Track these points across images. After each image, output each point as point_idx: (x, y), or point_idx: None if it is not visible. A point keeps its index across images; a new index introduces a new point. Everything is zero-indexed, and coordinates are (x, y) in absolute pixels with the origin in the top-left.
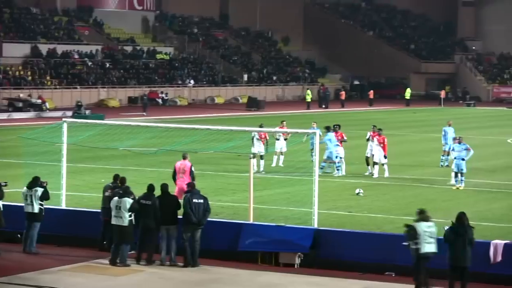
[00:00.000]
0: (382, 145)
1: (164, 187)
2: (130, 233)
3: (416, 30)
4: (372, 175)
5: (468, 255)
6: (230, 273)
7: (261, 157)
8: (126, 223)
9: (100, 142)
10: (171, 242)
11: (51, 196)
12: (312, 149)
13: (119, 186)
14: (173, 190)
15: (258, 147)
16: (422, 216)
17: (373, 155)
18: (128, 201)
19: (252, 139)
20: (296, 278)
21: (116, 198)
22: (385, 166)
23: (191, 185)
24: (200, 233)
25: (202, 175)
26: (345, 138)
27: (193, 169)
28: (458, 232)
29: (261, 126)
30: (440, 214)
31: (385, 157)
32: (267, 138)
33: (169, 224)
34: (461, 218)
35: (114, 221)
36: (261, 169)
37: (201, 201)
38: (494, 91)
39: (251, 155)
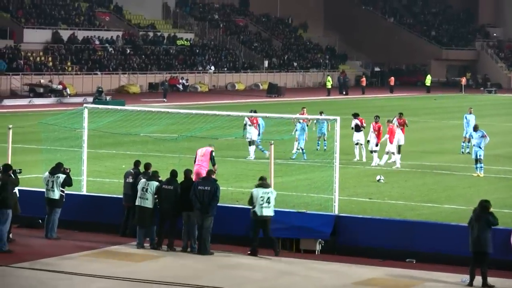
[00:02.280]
0: (376, 133)
1: (187, 173)
2: (153, 215)
3: (437, 16)
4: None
5: (485, 240)
6: (250, 259)
7: (253, 142)
8: (150, 205)
9: (120, 128)
10: (192, 228)
11: (73, 182)
12: (320, 137)
13: (140, 172)
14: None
15: (251, 133)
16: (260, 182)
17: (368, 142)
18: (155, 184)
19: (245, 125)
20: (317, 265)
21: (143, 180)
22: (374, 154)
23: (209, 172)
24: (211, 221)
25: (223, 161)
26: (364, 124)
27: (213, 154)
28: (478, 217)
29: (254, 111)
30: (462, 201)
31: (376, 145)
32: (259, 123)
33: (190, 210)
34: (481, 204)
35: (138, 202)
36: (252, 156)
37: (208, 188)
38: None
39: (272, 141)
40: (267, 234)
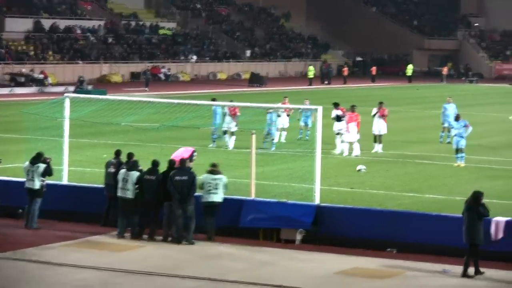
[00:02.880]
0: (356, 122)
1: (171, 162)
2: (135, 206)
3: (419, 6)
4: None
5: (476, 232)
6: (231, 249)
7: (232, 133)
8: (131, 195)
9: (102, 118)
10: (174, 218)
11: (53, 172)
12: (304, 126)
13: (122, 162)
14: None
15: (229, 123)
16: (210, 169)
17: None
18: (136, 174)
19: (224, 115)
20: (297, 255)
21: (123, 171)
22: (355, 145)
23: (181, 162)
24: (192, 211)
25: (204, 151)
26: (345, 114)
27: (195, 153)
28: (469, 208)
29: (231, 101)
30: (443, 191)
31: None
32: (238, 114)
33: (171, 200)
34: (473, 194)
35: (120, 193)
36: (231, 146)
37: (185, 178)
38: (496, 68)
39: (253, 131)
40: (213, 220)
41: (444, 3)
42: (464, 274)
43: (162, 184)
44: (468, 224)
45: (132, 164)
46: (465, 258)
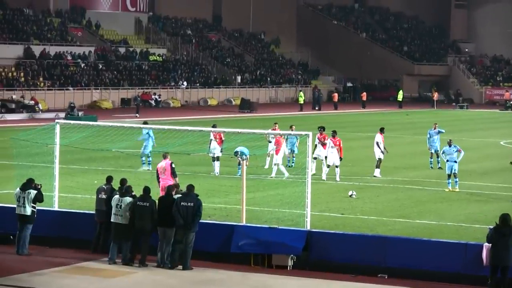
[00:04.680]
0: (337, 147)
1: (169, 189)
2: (128, 231)
3: (409, 32)
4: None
5: (509, 254)
6: (222, 275)
7: (217, 158)
8: (125, 221)
9: (92, 144)
10: (168, 244)
11: (44, 198)
12: (290, 152)
13: (113, 188)
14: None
15: (214, 149)
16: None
17: (326, 158)
18: (129, 200)
19: (210, 141)
20: (289, 280)
21: (117, 197)
22: (337, 170)
23: (188, 188)
24: (193, 237)
25: (195, 177)
26: (326, 140)
27: (173, 165)
28: (503, 232)
29: (214, 126)
30: (435, 216)
31: (340, 159)
32: (223, 138)
33: (166, 226)
34: (505, 218)
35: (113, 219)
36: (216, 170)
37: (191, 204)
38: (486, 93)
39: (245, 157)
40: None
41: (433, 29)
42: None
43: (159, 210)
44: (503, 248)
45: (125, 190)
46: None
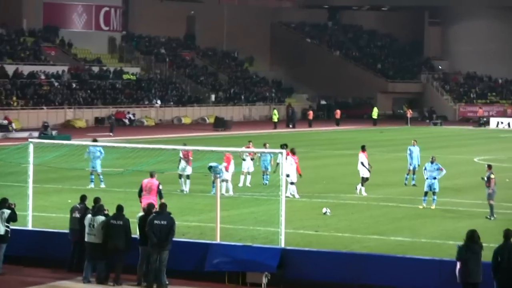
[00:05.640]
0: (295, 164)
1: (149, 207)
2: (102, 250)
3: (383, 50)
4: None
5: (480, 271)
6: None
7: (187, 176)
8: (99, 240)
9: (66, 163)
10: (148, 262)
11: (18, 218)
12: (264, 170)
13: (87, 207)
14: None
15: (184, 168)
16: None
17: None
18: (102, 219)
19: (180, 159)
20: None
21: (89, 216)
22: (294, 187)
23: (161, 206)
24: (167, 255)
25: (169, 195)
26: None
27: (160, 187)
28: (473, 250)
29: (184, 145)
30: (409, 233)
31: (300, 175)
32: (190, 158)
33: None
34: (473, 236)
35: (87, 238)
36: (186, 188)
37: (164, 222)
38: (460, 110)
39: (219, 175)
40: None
41: (407, 46)
42: None
43: (128, 229)
44: (473, 265)
45: (97, 209)
46: None
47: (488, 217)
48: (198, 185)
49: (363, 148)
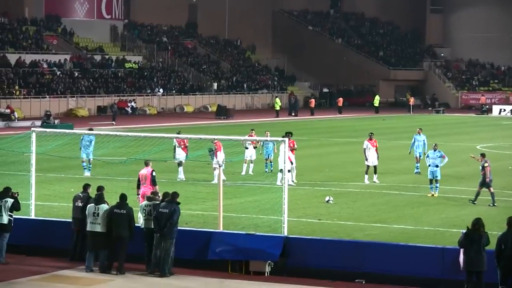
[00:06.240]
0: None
1: (164, 195)
2: (105, 239)
3: (385, 37)
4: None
5: (483, 260)
6: (199, 282)
7: (180, 163)
8: (102, 229)
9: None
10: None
11: (21, 207)
12: (267, 158)
13: (90, 196)
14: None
15: (179, 155)
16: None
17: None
18: (105, 207)
19: (174, 147)
20: (266, 287)
21: (92, 205)
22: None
23: (172, 195)
24: (170, 244)
25: (172, 184)
26: (295, 146)
27: (154, 174)
28: (473, 238)
29: (178, 133)
30: (411, 221)
31: (291, 163)
32: (187, 145)
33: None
34: (475, 224)
35: (90, 227)
36: (182, 176)
37: (166, 210)
38: (462, 98)
39: (221, 163)
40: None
41: (409, 34)
42: None
43: (132, 218)
44: (474, 253)
45: (98, 197)
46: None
47: (491, 204)
48: (200, 174)
49: (370, 136)
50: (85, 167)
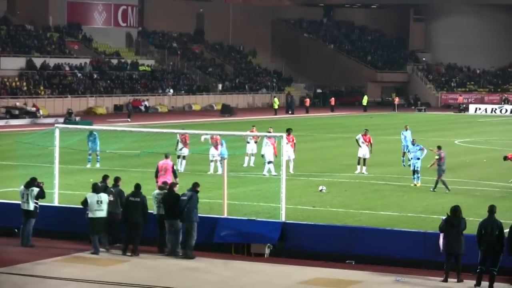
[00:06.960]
0: (291, 143)
1: (170, 185)
2: (107, 223)
3: (372, 43)
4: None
5: (461, 243)
6: (206, 263)
7: (184, 157)
8: (104, 214)
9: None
10: (175, 235)
11: (45, 195)
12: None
13: (107, 186)
14: (153, 187)
15: (181, 149)
16: (94, 187)
17: (263, 156)
18: (105, 196)
19: (177, 142)
20: (266, 267)
21: (93, 194)
22: (271, 165)
23: (194, 185)
24: (191, 228)
25: (180, 174)
26: (295, 141)
27: (175, 168)
28: (453, 223)
29: (182, 129)
30: (396, 208)
31: (275, 156)
32: (188, 141)
33: (172, 219)
34: (456, 210)
35: (93, 214)
36: (182, 168)
37: (185, 198)
38: (442, 98)
39: (225, 156)
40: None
41: (394, 40)
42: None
43: (145, 205)
44: (453, 237)
45: (95, 187)
46: (445, 268)
47: (447, 191)
48: (207, 166)
49: (365, 132)
50: (89, 160)
